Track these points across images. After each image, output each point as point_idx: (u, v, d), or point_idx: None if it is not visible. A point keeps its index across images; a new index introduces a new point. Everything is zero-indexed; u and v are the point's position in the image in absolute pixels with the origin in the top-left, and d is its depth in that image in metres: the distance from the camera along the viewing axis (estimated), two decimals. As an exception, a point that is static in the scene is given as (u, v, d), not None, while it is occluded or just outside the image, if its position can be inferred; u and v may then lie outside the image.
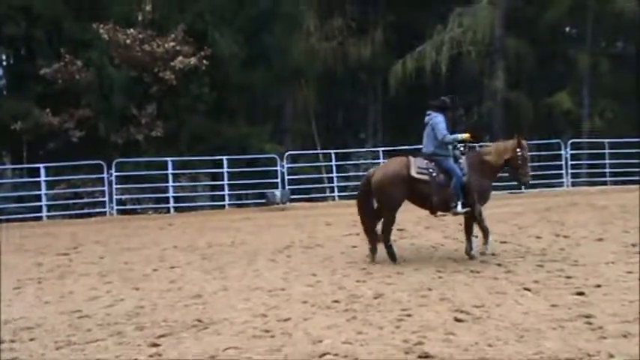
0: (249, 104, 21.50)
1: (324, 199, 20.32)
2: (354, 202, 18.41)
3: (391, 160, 9.03)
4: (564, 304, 5.95)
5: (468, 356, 4.57)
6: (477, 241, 8.93)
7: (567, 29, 27.81)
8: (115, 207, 18.02)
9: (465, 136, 8.69)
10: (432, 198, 8.40)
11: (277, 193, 18.23)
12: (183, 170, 19.26)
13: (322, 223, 13.69)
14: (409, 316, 5.71)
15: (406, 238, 11.06)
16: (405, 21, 26.29)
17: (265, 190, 18.64)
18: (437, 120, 8.52)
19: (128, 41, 18.77)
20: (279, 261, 9.05)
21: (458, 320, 5.52)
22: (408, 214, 14.44)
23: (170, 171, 18.22)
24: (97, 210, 18.05)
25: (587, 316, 5.50)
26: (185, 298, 6.84)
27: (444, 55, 23.36)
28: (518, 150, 8.75)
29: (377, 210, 8.85)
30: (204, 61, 19.19)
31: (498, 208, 15.48)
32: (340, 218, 14.42)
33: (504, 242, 10.00)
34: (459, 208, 8.43)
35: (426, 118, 8.69)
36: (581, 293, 6.38)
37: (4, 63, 23.07)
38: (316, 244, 10.69)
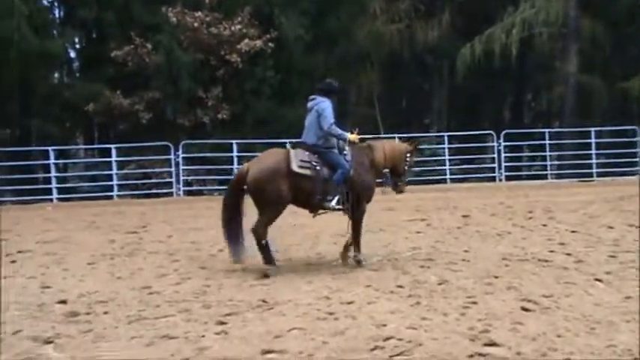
0: (313, 88, 21.53)
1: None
2: (416, 187, 18.26)
3: (267, 152, 7.66)
4: (639, 297, 5.71)
5: (535, 346, 4.45)
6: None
7: (646, 10, 26.47)
8: (182, 188, 18.47)
9: (353, 136, 7.55)
10: (316, 195, 7.28)
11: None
12: (247, 153, 19.52)
13: (385, 208, 13.59)
14: (474, 303, 5.60)
15: (471, 225, 10.87)
16: (474, 3, 25.69)
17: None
18: (324, 106, 7.43)
19: (196, 24, 19.13)
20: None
21: (525, 309, 5.37)
22: (475, 201, 14.24)
23: (235, 153, 18.49)
24: (165, 190, 18.56)
25: (664, 310, 5.26)
26: (250, 278, 6.93)
27: (514, 38, 22.67)
28: (408, 156, 8.05)
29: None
30: (270, 44, 19.31)
31: (568, 196, 15.07)
32: (403, 203, 14.30)
33: (574, 232, 9.68)
34: (333, 203, 7.38)
35: (310, 104, 7.63)
36: (657, 286, 6.11)
37: (77, 46, 23.87)
38: (379, 228, 10.65)
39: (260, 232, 7.21)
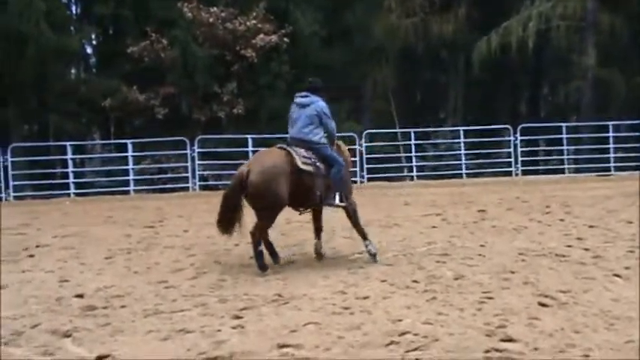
0: (328, 83, 21.51)
1: (402, 178, 20.16)
2: (433, 182, 18.17)
3: (267, 152, 7.59)
4: (658, 293, 5.65)
5: (553, 342, 4.42)
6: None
7: (666, 2, 26.04)
8: (198, 183, 18.55)
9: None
10: (316, 191, 7.25)
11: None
12: (262, 148, 19.51)
13: (400, 203, 13.58)
14: (491, 298, 5.57)
15: (487, 219, 10.81)
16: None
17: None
18: (322, 105, 7.44)
19: (211, 20, 19.19)
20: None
21: (542, 305, 5.34)
22: (491, 195, 14.14)
23: (250, 148, 18.50)
24: (181, 185, 18.65)
25: (684, 306, 5.19)
26: (265, 273, 6.95)
27: (531, 31, 22.36)
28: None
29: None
30: (285, 39, 19.32)
31: (585, 191, 14.92)
32: (418, 198, 14.30)
33: (592, 227, 9.59)
34: (337, 200, 7.40)
35: (304, 100, 7.52)
36: (677, 282, 6.03)
37: (94, 42, 24.05)
38: (394, 223, 10.63)
39: (258, 237, 7.12)
